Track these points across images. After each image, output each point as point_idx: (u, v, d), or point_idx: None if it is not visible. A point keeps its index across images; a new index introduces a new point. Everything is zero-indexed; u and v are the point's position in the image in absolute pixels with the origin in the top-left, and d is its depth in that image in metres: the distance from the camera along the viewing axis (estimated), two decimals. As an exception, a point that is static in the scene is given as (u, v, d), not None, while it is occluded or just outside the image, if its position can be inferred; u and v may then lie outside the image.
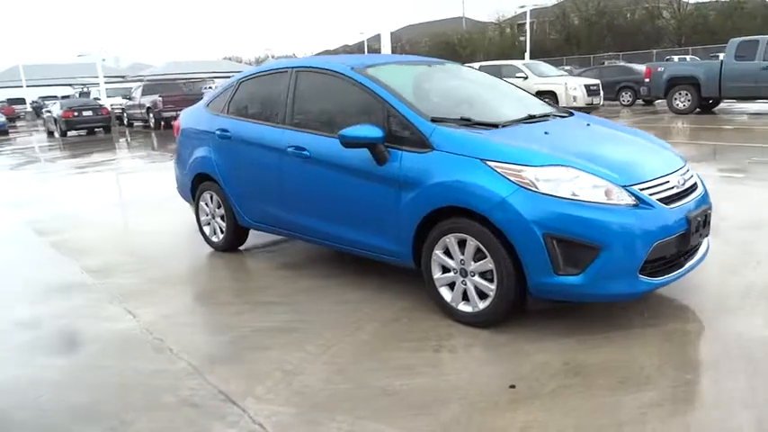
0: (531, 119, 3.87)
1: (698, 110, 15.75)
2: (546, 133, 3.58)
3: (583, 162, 3.15)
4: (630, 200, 3.02)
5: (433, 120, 3.52)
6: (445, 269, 3.44)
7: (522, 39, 56.17)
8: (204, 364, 3.11)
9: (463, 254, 3.30)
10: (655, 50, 40.81)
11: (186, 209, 6.20)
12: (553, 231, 2.97)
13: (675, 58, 34.32)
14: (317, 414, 2.59)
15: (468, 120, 3.60)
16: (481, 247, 3.19)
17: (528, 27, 40.90)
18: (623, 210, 2.99)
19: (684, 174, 3.44)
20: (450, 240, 3.33)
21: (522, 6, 40.09)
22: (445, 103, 4.01)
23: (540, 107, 4.27)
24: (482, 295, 3.29)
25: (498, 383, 2.77)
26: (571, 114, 4.18)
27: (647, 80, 16.57)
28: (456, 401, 2.62)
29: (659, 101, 18.57)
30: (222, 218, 5.06)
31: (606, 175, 3.09)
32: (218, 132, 4.89)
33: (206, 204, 5.23)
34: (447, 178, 3.27)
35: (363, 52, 56.13)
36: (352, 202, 3.81)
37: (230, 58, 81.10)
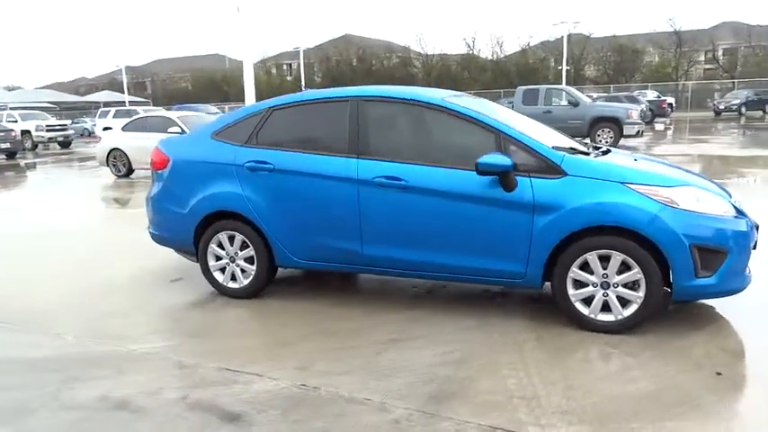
0: (597, 149, 4.40)
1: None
2: (635, 160, 4.16)
3: (695, 183, 3.79)
4: (734, 211, 3.73)
5: (554, 148, 3.84)
6: (578, 285, 3.75)
7: (288, 79, 58.03)
8: (427, 405, 2.92)
9: (605, 268, 3.65)
10: (410, 94, 45.58)
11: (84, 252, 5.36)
12: (696, 241, 3.52)
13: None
14: (615, 425, 2.69)
15: (575, 149, 3.99)
16: (628, 259, 3.59)
17: (302, 67, 42.43)
18: (734, 220, 3.68)
19: None
20: (593, 257, 3.66)
21: (297, 47, 41.57)
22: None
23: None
24: (623, 304, 3.67)
25: (702, 374, 3.19)
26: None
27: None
28: (707, 393, 2.97)
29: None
30: (250, 260, 4.56)
31: (717, 193, 3.77)
32: (249, 165, 4.43)
33: (218, 246, 4.64)
34: (593, 200, 3.61)
35: (122, 84, 51.82)
36: (471, 229, 3.87)
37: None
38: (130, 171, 13.79)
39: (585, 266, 3.71)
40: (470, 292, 4.64)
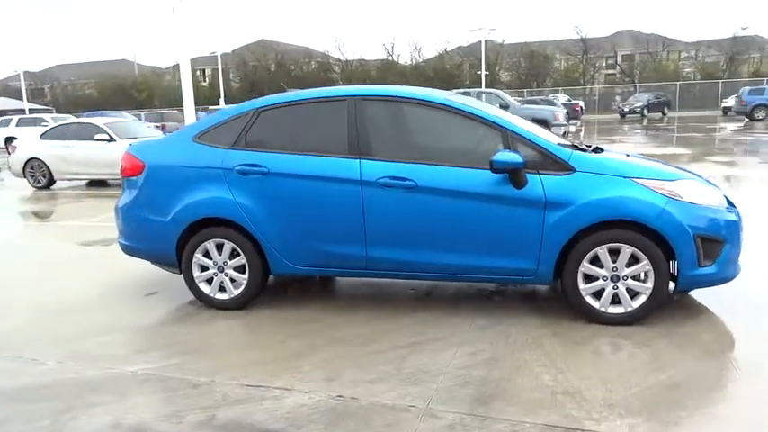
0: (589, 147, 4.50)
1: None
2: (627, 155, 4.29)
3: (691, 176, 3.96)
4: (726, 203, 3.93)
5: (560, 145, 3.90)
6: (588, 278, 3.81)
7: (204, 84, 56.22)
8: (475, 408, 2.86)
9: (614, 261, 3.74)
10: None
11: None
12: (699, 232, 3.68)
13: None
14: (664, 414, 2.74)
15: (576, 146, 4.07)
16: (637, 252, 3.69)
17: (220, 72, 41.19)
18: (727, 210, 3.87)
19: None
20: (603, 251, 3.74)
21: (213, 52, 40.32)
22: None
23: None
24: (632, 296, 3.77)
25: (718, 360, 3.33)
26: None
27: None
28: (731, 377, 3.10)
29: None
30: (241, 269, 4.32)
31: (711, 185, 3.96)
32: (239, 168, 4.20)
33: (204, 256, 4.37)
34: (603, 195, 3.69)
35: (17, 91, 48.23)
36: (482, 228, 3.85)
37: None
38: (51, 182, 12.81)
39: (595, 260, 3.78)
40: (468, 292, 4.63)
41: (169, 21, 10.47)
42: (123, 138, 12.31)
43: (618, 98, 45.25)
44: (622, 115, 37.94)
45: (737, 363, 3.28)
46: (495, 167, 3.70)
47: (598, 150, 4.28)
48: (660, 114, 37.90)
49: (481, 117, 3.96)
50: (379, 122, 4.12)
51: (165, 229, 4.38)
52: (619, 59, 54.38)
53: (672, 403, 2.84)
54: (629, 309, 3.78)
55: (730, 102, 34.17)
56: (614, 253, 3.74)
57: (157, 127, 19.09)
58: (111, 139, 12.13)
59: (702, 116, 35.51)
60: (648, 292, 3.73)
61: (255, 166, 4.18)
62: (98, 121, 13.11)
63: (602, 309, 3.81)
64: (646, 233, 3.68)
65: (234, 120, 4.38)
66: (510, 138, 3.87)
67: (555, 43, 50.79)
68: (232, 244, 4.29)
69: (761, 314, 3.98)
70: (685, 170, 4.35)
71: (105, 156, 12.04)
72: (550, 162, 3.80)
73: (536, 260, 3.83)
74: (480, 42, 43.85)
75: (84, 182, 13.29)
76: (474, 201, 3.84)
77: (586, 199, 3.70)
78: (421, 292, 4.69)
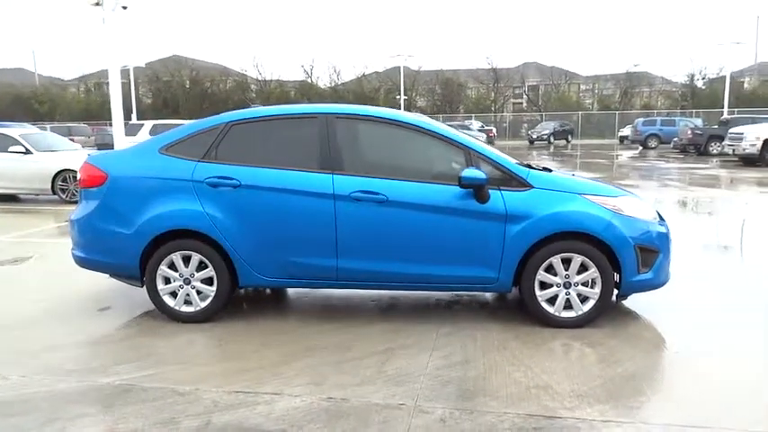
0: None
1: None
2: (573, 175, 4.73)
3: (628, 193, 4.45)
4: (658, 217, 4.44)
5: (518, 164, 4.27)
6: (543, 286, 4.17)
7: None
8: (461, 403, 3.08)
9: (567, 269, 4.12)
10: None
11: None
12: (639, 242, 4.14)
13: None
14: (627, 401, 3.08)
15: (530, 165, 4.46)
16: (586, 260, 4.10)
17: (132, 86, 39.62)
18: (659, 224, 4.38)
19: None
20: (557, 260, 4.11)
21: (126, 66, 38.77)
22: None
23: None
24: (582, 301, 4.17)
25: (665, 353, 3.78)
26: None
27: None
28: (678, 367, 3.51)
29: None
30: (208, 281, 4.34)
31: (644, 201, 4.45)
32: (210, 180, 4.25)
33: (169, 268, 4.35)
34: (558, 210, 4.07)
35: None
36: (448, 239, 4.12)
37: None
38: (-46, 196, 11.88)
39: (550, 269, 4.14)
40: (428, 302, 4.87)
41: (100, 31, 10.14)
42: (41, 150, 11.70)
43: (526, 125, 47.87)
44: (531, 142, 40.17)
45: (682, 355, 3.73)
46: (462, 183, 3.99)
47: (547, 170, 4.70)
48: (565, 141, 40.45)
49: (448, 138, 4.26)
50: (351, 139, 4.32)
51: (128, 241, 4.32)
52: (526, 89, 57.65)
53: (632, 391, 3.21)
54: (580, 312, 4.16)
55: (626, 131, 37.13)
56: (566, 262, 4.13)
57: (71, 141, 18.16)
58: (28, 152, 11.48)
59: (602, 144, 38.33)
60: (596, 297, 4.14)
61: (227, 178, 4.24)
62: (12, 131, 12.34)
63: (557, 313, 4.18)
64: (594, 244, 4.09)
65: (203, 133, 4.43)
66: (474, 157, 4.19)
67: (468, 72, 53.12)
68: (200, 256, 4.31)
69: (681, 314, 4.49)
70: (621, 188, 4.85)
71: (20, 169, 11.39)
72: (510, 179, 4.15)
73: (497, 269, 4.14)
74: (397, 68, 45.19)
75: (-10, 197, 12.42)
76: (441, 214, 4.11)
77: (543, 213, 4.07)
78: (383, 303, 4.88)
